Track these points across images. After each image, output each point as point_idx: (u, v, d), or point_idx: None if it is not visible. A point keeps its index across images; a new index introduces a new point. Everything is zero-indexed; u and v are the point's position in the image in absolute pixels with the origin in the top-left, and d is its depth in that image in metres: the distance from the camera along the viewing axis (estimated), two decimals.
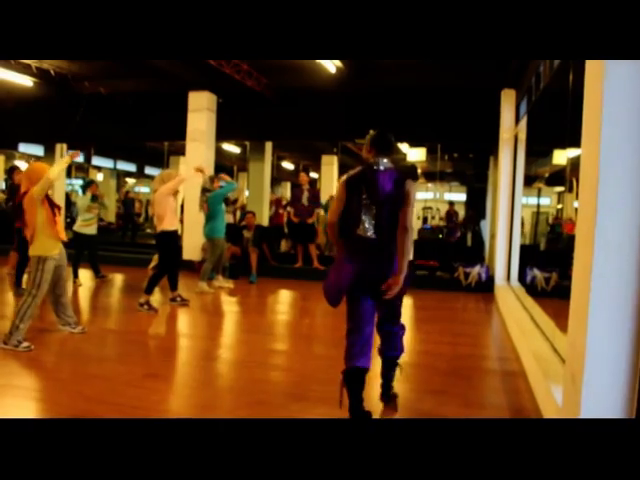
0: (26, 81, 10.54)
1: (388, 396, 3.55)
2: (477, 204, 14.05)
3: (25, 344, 4.60)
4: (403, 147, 13.93)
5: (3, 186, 17.09)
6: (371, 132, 3.45)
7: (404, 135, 11.43)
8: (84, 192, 8.28)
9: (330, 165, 17.14)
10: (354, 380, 3.13)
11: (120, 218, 17.35)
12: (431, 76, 9.22)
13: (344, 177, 3.29)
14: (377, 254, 3.17)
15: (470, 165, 15.98)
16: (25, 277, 7.04)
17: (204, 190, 8.06)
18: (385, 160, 3.27)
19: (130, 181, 27.04)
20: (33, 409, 3.54)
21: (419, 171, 16.01)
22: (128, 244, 13.97)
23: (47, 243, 4.74)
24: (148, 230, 17.67)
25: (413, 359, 4.87)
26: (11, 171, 8.78)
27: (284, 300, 8.44)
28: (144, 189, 27.91)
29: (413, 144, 13.81)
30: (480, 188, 13.76)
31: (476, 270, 8.94)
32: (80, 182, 20.63)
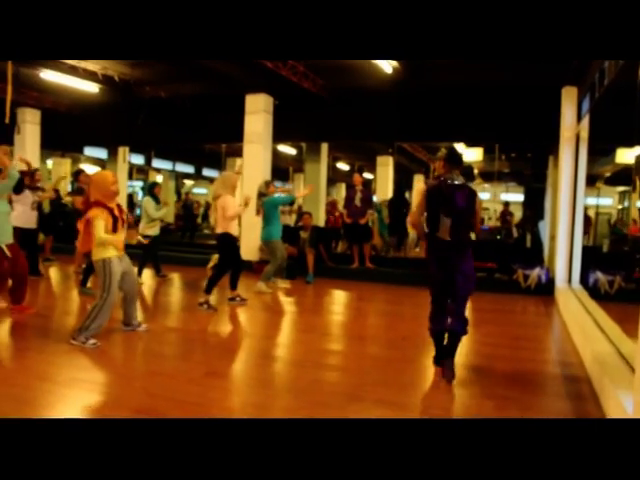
0: (92, 88, 10.95)
1: (447, 362, 4.25)
2: (535, 204, 13.71)
3: (92, 341, 4.77)
4: (459, 147, 13.75)
5: (69, 188, 17.73)
6: (442, 149, 4.24)
7: (460, 135, 11.30)
8: (149, 194, 8.49)
9: (385, 166, 17.05)
10: (434, 337, 4.37)
11: (179, 219, 17.75)
12: (488, 74, 9.07)
13: (424, 187, 4.19)
14: (452, 252, 4.15)
15: (528, 165, 15.60)
16: (91, 278, 7.35)
17: (260, 195, 8.18)
18: (458, 175, 4.16)
19: (188, 183, 27.63)
20: (100, 403, 3.67)
21: (475, 171, 15.76)
22: (187, 244, 14.29)
23: (108, 247, 4.86)
24: (206, 231, 18.02)
25: (471, 362, 4.81)
26: (77, 174, 9.15)
27: (340, 301, 8.47)
28: (201, 190, 28.47)
29: (470, 144, 13.61)
30: (538, 188, 13.42)
31: (536, 272, 8.74)
32: (140, 184, 21.29)
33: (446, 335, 4.28)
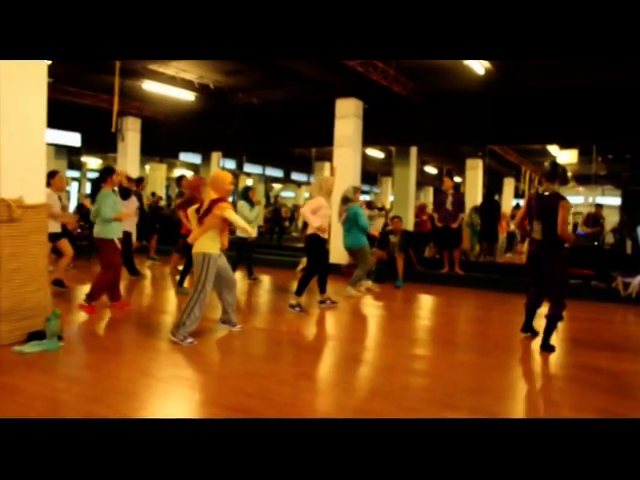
0: (189, 96, 11.42)
1: (546, 345, 5.20)
2: (634, 208, 12.98)
3: (189, 340, 4.98)
4: (552, 149, 13.26)
5: (163, 193, 18.55)
6: (545, 164, 5.39)
7: (554, 137, 10.90)
8: (243, 198, 8.73)
9: (475, 169, 16.69)
10: (526, 309, 5.61)
11: (268, 222, 18.14)
12: (583, 74, 8.70)
13: (528, 195, 5.64)
14: (544, 249, 5.23)
15: (626, 166, 14.81)
16: (187, 278, 7.67)
17: (345, 199, 8.14)
18: (552, 187, 5.19)
19: (276, 186, 28.17)
20: (197, 400, 3.82)
21: (569, 174, 15.12)
22: (275, 247, 14.57)
23: (209, 243, 5.07)
24: (294, 234, 18.32)
25: (568, 373, 4.64)
26: (180, 179, 9.59)
27: (429, 306, 8.37)
28: (290, 194, 28.92)
29: (564, 146, 13.09)
30: (637, 191, 12.72)
31: (637, 280, 8.28)
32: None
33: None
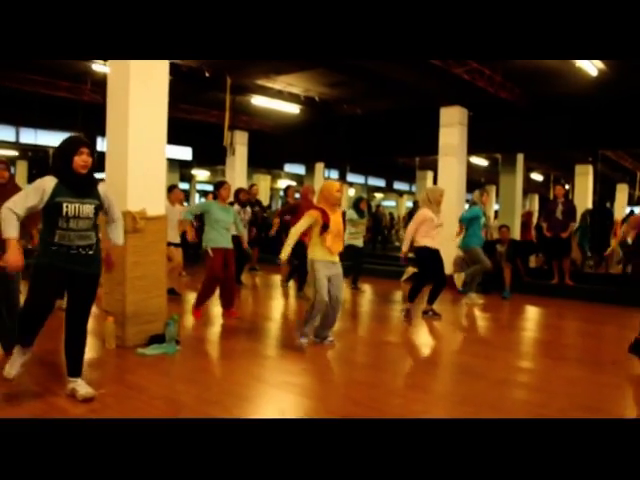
0: (294, 109, 11.73)
1: None
2: None
3: (304, 339, 5.14)
4: None
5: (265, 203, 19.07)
6: None
7: None
8: (354, 207, 8.88)
9: (584, 175, 15.93)
10: None
11: (369, 231, 18.16)
12: None
13: None
14: None
15: None
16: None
17: (472, 203, 8.08)
18: None
19: (378, 196, 28.22)
20: (310, 407, 3.89)
21: None
22: (377, 256, 14.56)
23: (314, 249, 5.16)
24: (397, 243, 18.24)
25: None
26: (287, 189, 9.87)
27: (539, 318, 8.07)
28: (391, 203, 28.85)
29: None
30: None
31: None
32: None
33: None
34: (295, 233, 5.15)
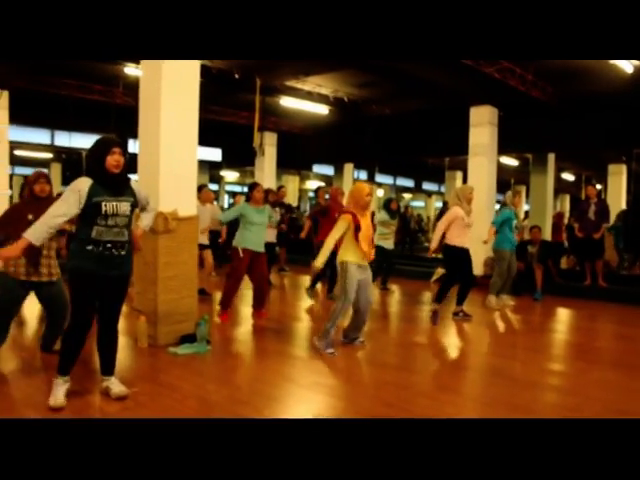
0: (323, 110, 11.75)
1: None
2: None
3: (330, 350, 5.07)
4: None
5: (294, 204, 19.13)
6: None
7: None
8: (385, 208, 8.87)
9: (618, 175, 15.66)
10: None
11: (398, 232, 18.07)
12: None
13: None
14: None
15: None
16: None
17: (503, 204, 7.99)
18: None
19: (406, 196, 28.10)
20: (338, 407, 3.89)
21: None
22: (406, 257, 14.49)
23: (346, 252, 5.11)
24: (426, 244, 18.12)
25: None
26: (317, 191, 9.90)
27: (571, 320, 7.94)
28: (419, 203, 28.72)
29: None
30: None
31: None
32: None
33: None
34: (331, 241, 5.08)
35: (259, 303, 6.66)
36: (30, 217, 4.09)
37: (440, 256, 6.91)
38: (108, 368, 3.80)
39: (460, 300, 6.86)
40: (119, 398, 3.66)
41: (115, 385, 3.73)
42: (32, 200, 4.40)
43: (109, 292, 3.66)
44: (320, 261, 5.14)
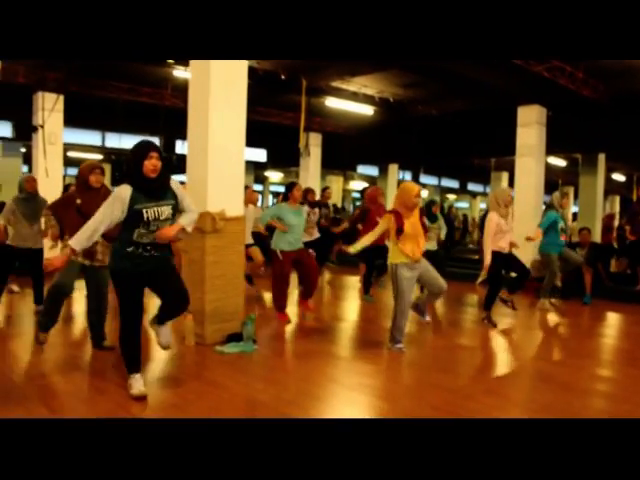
0: (368, 110, 11.74)
1: None
2: None
3: (399, 345, 5.18)
4: None
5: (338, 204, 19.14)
6: None
7: None
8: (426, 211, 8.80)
9: None
10: None
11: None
12: None
13: None
14: None
15: None
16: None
17: (549, 206, 7.82)
18: None
19: (451, 197, 27.81)
20: (383, 409, 3.89)
21: None
22: (449, 258, 14.32)
23: (394, 253, 5.13)
24: (470, 245, 17.92)
25: None
26: (363, 191, 9.89)
27: (622, 325, 7.71)
28: (464, 204, 28.37)
29: None
30: None
31: None
32: None
33: None
34: (370, 236, 5.20)
35: (307, 293, 6.68)
36: (78, 201, 4.45)
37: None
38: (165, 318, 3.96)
39: (513, 289, 6.78)
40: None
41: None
42: (83, 189, 4.64)
43: (154, 278, 3.76)
44: (354, 247, 5.23)
